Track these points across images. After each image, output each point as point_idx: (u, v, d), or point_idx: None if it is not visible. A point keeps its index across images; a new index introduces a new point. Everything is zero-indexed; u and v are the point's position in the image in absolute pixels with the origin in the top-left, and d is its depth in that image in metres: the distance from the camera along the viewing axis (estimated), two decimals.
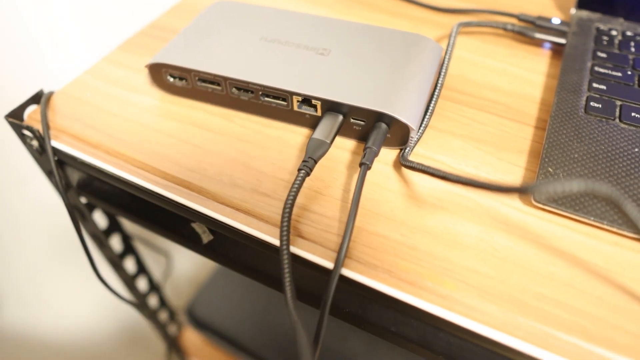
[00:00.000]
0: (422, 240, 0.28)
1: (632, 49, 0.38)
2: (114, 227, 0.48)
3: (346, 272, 0.27)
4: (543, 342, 0.24)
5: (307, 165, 0.29)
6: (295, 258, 0.29)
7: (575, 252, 0.27)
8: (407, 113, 0.31)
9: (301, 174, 0.29)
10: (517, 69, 0.38)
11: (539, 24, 0.40)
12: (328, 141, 0.30)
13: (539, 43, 0.41)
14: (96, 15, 0.59)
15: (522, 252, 0.27)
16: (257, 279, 0.33)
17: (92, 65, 0.40)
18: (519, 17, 0.41)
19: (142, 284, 0.55)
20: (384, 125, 0.31)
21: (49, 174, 0.40)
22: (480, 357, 0.29)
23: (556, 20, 0.40)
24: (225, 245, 0.35)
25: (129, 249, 0.50)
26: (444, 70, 0.35)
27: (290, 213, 0.28)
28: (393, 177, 0.31)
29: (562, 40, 0.39)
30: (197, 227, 0.34)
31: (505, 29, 0.40)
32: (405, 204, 0.30)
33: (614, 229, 0.28)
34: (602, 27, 0.40)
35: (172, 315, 0.63)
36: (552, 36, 0.39)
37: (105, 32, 0.60)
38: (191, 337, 0.65)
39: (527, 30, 0.40)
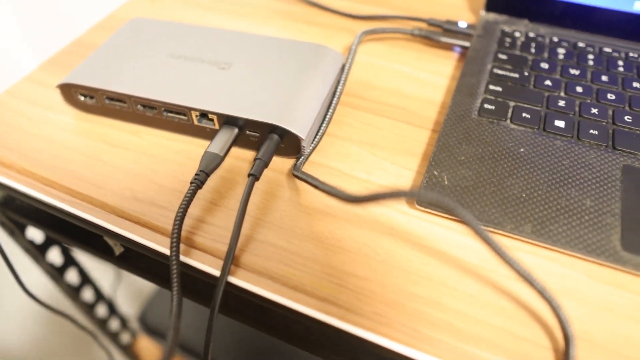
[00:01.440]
0: (307, 247, 0.29)
1: (532, 50, 0.39)
2: (52, 240, 0.49)
3: (233, 279, 0.29)
4: (415, 342, 0.25)
5: (199, 178, 0.30)
6: (188, 267, 0.30)
7: (452, 251, 0.29)
8: (297, 124, 0.32)
9: (192, 187, 0.30)
10: (422, 72, 0.40)
11: (447, 27, 0.42)
12: (221, 154, 0.32)
13: (449, 47, 0.42)
14: (22, 33, 0.60)
15: (402, 254, 0.29)
16: (164, 287, 0.35)
17: (11, 84, 0.41)
18: (428, 22, 0.42)
19: (87, 294, 0.56)
20: (275, 137, 0.32)
21: None
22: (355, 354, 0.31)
23: (463, 24, 0.41)
24: (137, 256, 0.36)
25: (70, 261, 0.51)
26: (343, 78, 0.36)
27: (180, 223, 0.29)
28: (285, 186, 0.32)
29: (468, 44, 0.40)
30: (109, 239, 0.36)
31: (412, 34, 0.41)
32: (295, 212, 0.31)
33: (490, 228, 0.29)
34: (506, 29, 0.41)
35: (124, 324, 0.65)
36: (459, 40, 0.41)
37: (32, 50, 0.61)
38: (145, 345, 0.66)
39: (433, 34, 0.41)
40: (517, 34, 0.41)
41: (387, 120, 0.36)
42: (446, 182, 0.31)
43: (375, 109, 0.37)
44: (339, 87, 0.36)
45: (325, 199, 0.31)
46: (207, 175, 0.31)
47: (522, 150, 0.33)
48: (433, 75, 0.39)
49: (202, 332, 0.61)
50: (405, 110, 0.37)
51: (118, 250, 0.35)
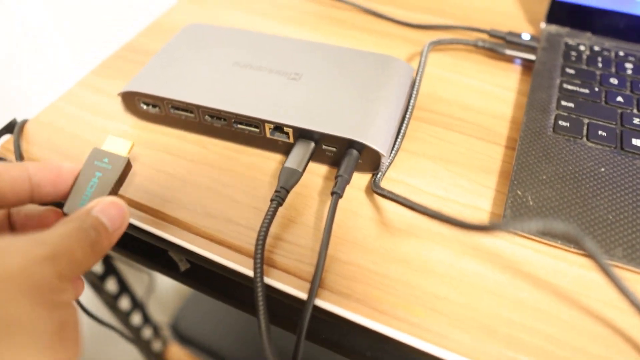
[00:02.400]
0: (394, 268, 0.28)
1: (599, 65, 0.39)
2: None
3: (320, 302, 0.28)
4: None
5: (280, 195, 0.29)
6: (269, 288, 0.29)
7: (543, 275, 0.28)
8: (377, 139, 0.31)
9: (273, 205, 0.29)
10: (488, 85, 0.39)
11: (510, 39, 0.41)
12: (300, 170, 0.31)
13: (510, 59, 0.41)
14: (69, 37, 0.58)
15: (491, 278, 0.28)
16: (236, 307, 0.34)
17: (65, 90, 0.40)
18: (490, 33, 0.42)
19: (124, 303, 0.55)
20: (355, 152, 0.31)
21: None
22: None
23: (526, 36, 0.41)
24: (203, 272, 0.35)
25: (110, 269, 0.50)
26: (415, 92, 0.35)
27: (263, 245, 0.28)
28: (365, 203, 0.32)
29: (532, 57, 0.40)
30: (174, 255, 0.34)
31: (476, 46, 0.40)
32: (378, 231, 0.30)
33: (581, 252, 0.28)
34: (570, 42, 0.41)
35: (157, 331, 0.64)
36: (523, 52, 0.40)
37: (79, 54, 0.59)
38: (176, 352, 0.65)
39: (497, 46, 0.40)
40: (581, 47, 0.40)
41: (459, 135, 0.35)
42: (531, 203, 0.30)
43: (445, 123, 0.36)
44: (411, 101, 0.35)
45: (407, 218, 0.31)
46: (287, 191, 0.30)
47: (602, 170, 0.32)
48: (499, 89, 0.39)
49: (234, 341, 0.60)
50: (475, 125, 0.36)
51: (183, 266, 0.34)
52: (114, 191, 0.27)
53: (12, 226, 0.25)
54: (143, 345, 0.60)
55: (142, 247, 0.37)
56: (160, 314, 0.67)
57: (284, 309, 0.32)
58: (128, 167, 0.28)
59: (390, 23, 0.45)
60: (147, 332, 0.61)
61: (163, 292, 0.76)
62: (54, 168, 0.25)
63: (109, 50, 0.43)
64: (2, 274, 0.19)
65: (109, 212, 0.24)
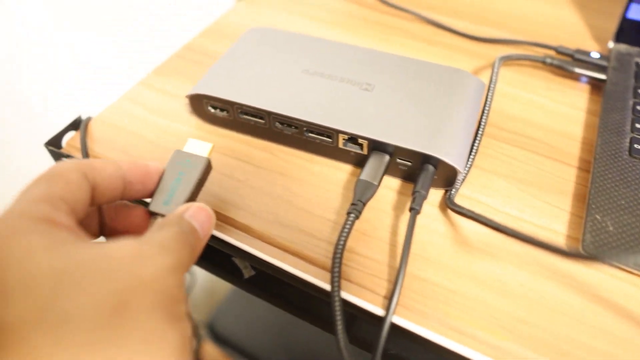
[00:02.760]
0: (471, 287, 0.28)
1: None
2: None
3: (397, 319, 0.27)
4: None
5: (357, 208, 0.29)
6: (343, 302, 0.29)
7: (625, 303, 0.27)
8: (454, 155, 0.31)
9: (351, 218, 0.29)
10: (556, 104, 0.38)
11: (578, 57, 0.40)
12: (376, 183, 0.30)
13: (577, 77, 0.40)
14: (127, 36, 0.59)
15: (571, 302, 0.27)
16: (301, 317, 0.33)
17: (128, 89, 0.40)
18: (557, 50, 0.41)
19: None
20: (431, 168, 0.31)
21: None
22: None
23: (595, 55, 0.40)
24: (267, 280, 0.35)
25: None
26: (487, 108, 0.35)
27: (341, 258, 0.28)
28: (439, 220, 0.31)
29: (602, 76, 0.39)
30: (239, 261, 0.34)
31: (544, 63, 0.40)
32: (453, 248, 0.30)
33: None
34: None
35: (193, 330, 0.63)
36: (592, 71, 0.39)
37: (137, 54, 0.59)
38: (210, 352, 0.65)
39: (566, 64, 0.40)
40: None
41: (529, 153, 0.35)
42: (610, 228, 0.30)
43: (514, 141, 0.36)
44: (483, 117, 0.35)
45: (482, 236, 0.30)
46: (364, 204, 0.30)
47: None
48: (567, 107, 0.38)
49: (270, 342, 0.60)
50: (545, 144, 0.35)
51: (248, 273, 0.34)
52: (196, 191, 0.27)
53: (101, 219, 0.26)
54: None
55: (204, 250, 0.36)
56: (196, 313, 0.67)
57: (355, 326, 0.32)
58: (209, 167, 0.28)
59: (453, 35, 0.44)
60: None
61: (199, 291, 0.76)
62: (142, 166, 0.26)
63: (167, 51, 0.43)
64: (137, 285, 0.19)
65: (199, 218, 0.24)
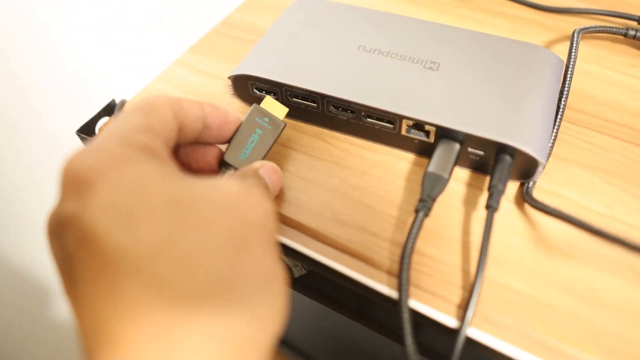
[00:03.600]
0: (557, 295, 0.25)
1: None
2: None
3: (473, 331, 0.24)
4: None
5: (426, 205, 0.26)
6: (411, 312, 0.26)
7: None
8: (534, 144, 0.27)
9: (420, 216, 0.26)
10: None
11: None
12: (446, 176, 0.27)
13: None
14: (158, 12, 0.55)
15: None
16: (358, 321, 0.31)
17: (162, 69, 0.37)
18: None
19: None
20: (508, 158, 0.27)
21: None
22: None
23: None
24: (318, 280, 0.32)
25: None
26: (567, 89, 0.31)
27: (409, 263, 0.25)
28: (515, 216, 0.28)
29: None
30: (289, 260, 0.31)
31: (625, 35, 0.35)
32: (534, 250, 0.26)
33: None
34: None
35: None
36: None
37: (171, 30, 0.56)
38: None
39: None
40: None
41: (614, 140, 0.31)
42: None
43: (596, 126, 0.32)
44: (563, 99, 0.31)
45: (565, 237, 0.27)
46: (434, 200, 0.26)
47: None
48: None
49: (305, 328, 0.58)
50: (632, 130, 0.31)
51: (299, 272, 0.31)
52: (268, 153, 0.28)
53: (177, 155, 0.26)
54: None
55: None
56: None
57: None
58: (282, 132, 0.29)
59: (520, 5, 0.40)
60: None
61: None
62: (223, 112, 0.26)
63: (203, 27, 0.40)
64: (254, 222, 0.19)
65: (272, 177, 0.25)
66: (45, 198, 0.60)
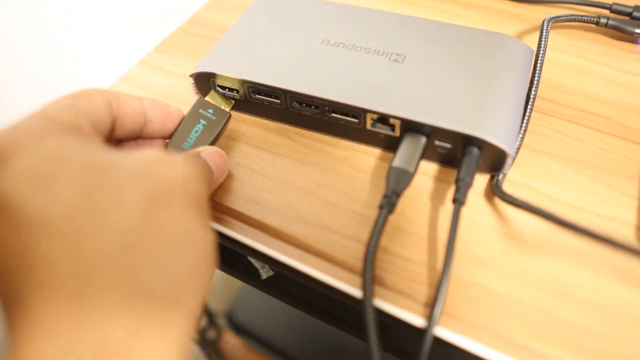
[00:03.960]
0: (526, 292, 0.24)
1: None
2: None
3: (440, 330, 0.23)
4: None
5: (390, 201, 0.25)
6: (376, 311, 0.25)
7: None
8: (502, 136, 0.26)
9: (384, 212, 0.25)
10: (615, 71, 0.33)
11: (637, 15, 0.35)
12: (411, 170, 0.26)
13: (636, 39, 0.35)
14: (123, 10, 0.54)
15: None
16: (327, 322, 0.30)
17: (126, 70, 0.36)
18: (612, 8, 0.36)
19: None
20: (476, 151, 0.26)
21: None
22: None
23: None
24: (286, 281, 0.31)
25: None
26: (537, 78, 0.30)
27: (373, 260, 0.24)
28: (484, 210, 0.27)
29: None
30: (256, 262, 0.30)
31: (597, 24, 0.35)
32: (503, 245, 0.25)
33: None
34: None
35: (212, 319, 0.61)
36: None
37: (137, 30, 0.55)
38: (231, 342, 0.62)
39: (623, 24, 0.34)
40: None
41: (586, 130, 0.30)
42: None
43: (568, 115, 0.31)
44: (533, 89, 0.30)
45: (536, 230, 0.26)
46: (398, 196, 0.25)
47: None
48: (627, 75, 0.33)
49: (291, 333, 0.57)
50: (605, 119, 0.31)
51: (266, 273, 0.30)
52: (214, 143, 0.28)
53: None
54: (198, 333, 0.58)
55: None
56: (215, 303, 0.65)
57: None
58: (228, 123, 0.29)
59: None
60: (201, 321, 0.58)
61: (217, 279, 0.74)
62: (164, 106, 0.27)
63: (169, 26, 0.39)
64: (172, 184, 0.19)
65: (215, 159, 0.25)
66: None
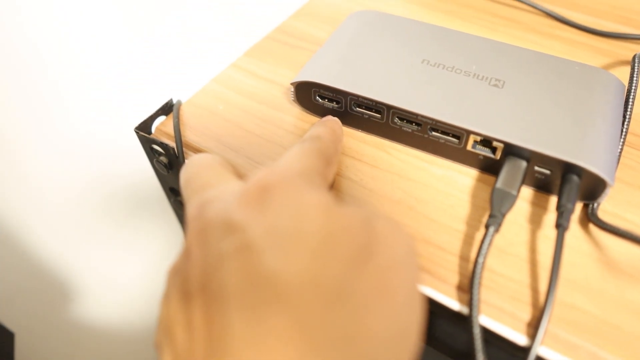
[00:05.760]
0: (626, 319, 0.25)
1: None
2: None
3: (543, 350, 0.24)
4: None
5: (497, 220, 0.26)
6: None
7: None
8: (602, 165, 0.27)
9: (491, 231, 0.26)
10: None
11: None
12: (514, 193, 0.27)
13: None
14: (210, 16, 0.55)
15: None
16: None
17: (218, 72, 0.37)
18: None
19: None
20: (576, 179, 0.27)
21: (172, 191, 0.37)
22: None
23: None
24: None
25: None
26: (629, 113, 0.31)
27: (480, 277, 0.25)
28: (580, 237, 0.28)
29: None
30: None
31: None
32: (600, 271, 0.26)
33: None
34: None
35: None
36: None
37: (226, 35, 0.56)
38: None
39: None
40: None
41: None
42: None
43: None
44: (625, 122, 0.31)
45: (631, 259, 0.27)
46: (503, 216, 0.26)
47: None
48: None
49: None
50: None
51: None
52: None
53: None
54: None
55: None
56: None
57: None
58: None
59: (573, 29, 0.40)
60: None
61: None
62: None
63: (255, 33, 0.40)
64: (395, 266, 0.18)
65: (320, 125, 0.28)
66: (82, 195, 0.60)
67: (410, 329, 0.18)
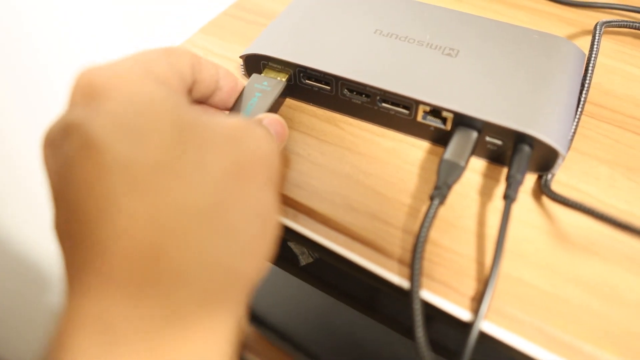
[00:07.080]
0: (576, 293, 0.24)
1: None
2: None
3: (486, 325, 0.23)
4: None
5: (442, 192, 0.25)
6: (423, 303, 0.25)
7: None
8: (555, 135, 0.26)
9: (435, 203, 0.25)
10: None
11: None
12: (462, 164, 0.26)
13: None
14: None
15: None
16: (366, 314, 0.30)
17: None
18: None
19: None
20: (527, 149, 0.26)
21: None
22: None
23: None
24: (324, 269, 0.31)
25: None
26: (587, 82, 0.30)
27: (423, 250, 0.24)
28: (532, 209, 0.27)
29: None
30: (295, 247, 0.30)
31: None
32: (551, 245, 0.25)
33: None
34: None
35: None
36: None
37: (182, 12, 0.55)
38: (245, 332, 0.62)
39: None
40: None
41: (636, 136, 0.30)
42: None
43: (617, 121, 0.31)
44: (584, 92, 0.30)
45: (585, 231, 0.26)
46: (449, 188, 0.25)
47: None
48: None
49: (308, 325, 0.57)
50: None
51: (305, 260, 0.30)
52: (272, 110, 0.28)
53: None
54: None
55: None
56: None
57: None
58: (285, 93, 0.30)
59: None
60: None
61: None
62: (234, 78, 0.27)
63: (214, 8, 0.39)
64: (256, 159, 0.19)
65: (276, 128, 0.24)
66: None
67: (267, 210, 0.19)
